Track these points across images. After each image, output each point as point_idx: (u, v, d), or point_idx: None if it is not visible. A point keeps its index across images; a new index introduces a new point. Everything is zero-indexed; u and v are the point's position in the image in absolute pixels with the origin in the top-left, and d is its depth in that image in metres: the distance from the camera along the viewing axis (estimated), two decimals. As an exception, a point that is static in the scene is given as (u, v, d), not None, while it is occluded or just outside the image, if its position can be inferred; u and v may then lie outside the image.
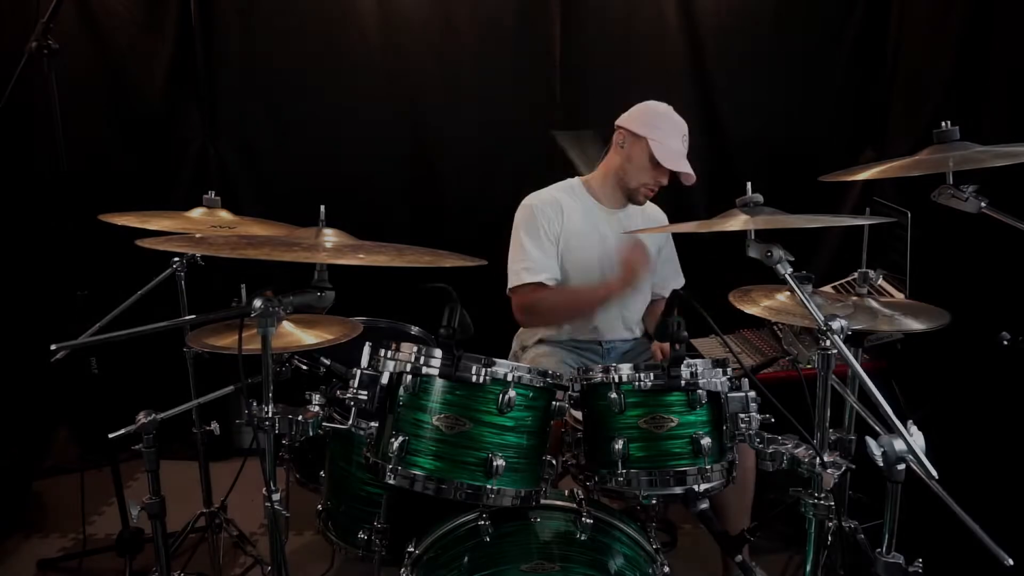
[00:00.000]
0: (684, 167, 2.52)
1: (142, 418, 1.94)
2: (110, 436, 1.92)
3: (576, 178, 2.76)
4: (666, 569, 1.82)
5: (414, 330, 2.67)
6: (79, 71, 3.34)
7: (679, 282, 2.90)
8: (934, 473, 1.28)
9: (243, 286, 1.93)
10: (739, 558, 2.04)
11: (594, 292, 2.60)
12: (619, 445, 1.72)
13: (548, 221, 2.60)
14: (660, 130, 2.54)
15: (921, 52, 3.18)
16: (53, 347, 1.68)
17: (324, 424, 1.73)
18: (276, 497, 1.64)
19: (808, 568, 1.62)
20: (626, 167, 2.60)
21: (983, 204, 1.78)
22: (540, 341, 2.78)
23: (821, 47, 3.41)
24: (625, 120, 2.60)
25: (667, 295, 2.79)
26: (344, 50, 3.45)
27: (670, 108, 2.60)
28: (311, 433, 1.70)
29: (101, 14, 3.36)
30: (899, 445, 1.30)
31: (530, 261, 2.58)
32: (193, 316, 1.81)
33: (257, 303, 1.58)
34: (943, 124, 1.82)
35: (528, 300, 2.59)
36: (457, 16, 3.42)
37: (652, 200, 2.82)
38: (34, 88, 2.67)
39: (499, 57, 3.45)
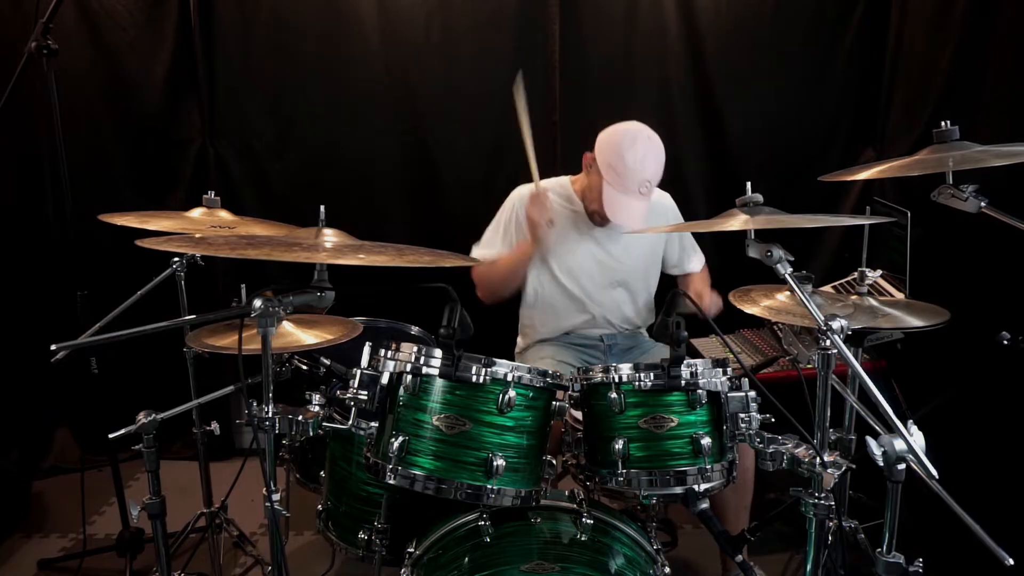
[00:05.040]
0: (624, 220, 2.44)
1: (142, 418, 1.94)
2: (110, 436, 1.92)
3: (567, 178, 2.75)
4: (667, 570, 1.81)
5: (414, 330, 2.67)
6: (79, 71, 3.34)
7: (700, 260, 2.90)
8: (934, 473, 1.28)
9: (243, 286, 1.93)
10: (739, 558, 2.04)
11: (516, 249, 2.67)
12: (619, 445, 1.73)
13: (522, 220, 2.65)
14: (619, 176, 2.43)
15: (921, 52, 3.18)
16: (53, 347, 1.68)
17: (324, 424, 1.73)
18: (276, 497, 1.64)
19: (808, 568, 1.63)
20: (587, 192, 2.61)
21: (983, 204, 1.78)
22: (542, 340, 2.78)
23: (821, 46, 3.41)
24: (597, 145, 2.53)
25: (689, 272, 2.81)
26: (344, 50, 3.44)
27: (643, 142, 2.47)
28: (311, 433, 1.71)
29: (100, 14, 3.35)
30: (899, 445, 1.30)
31: (486, 239, 2.73)
32: (193, 316, 1.81)
33: (257, 303, 1.58)
34: (943, 124, 1.82)
35: (474, 272, 2.73)
36: (457, 16, 3.41)
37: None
38: (34, 88, 2.67)
39: (499, 56, 3.44)
